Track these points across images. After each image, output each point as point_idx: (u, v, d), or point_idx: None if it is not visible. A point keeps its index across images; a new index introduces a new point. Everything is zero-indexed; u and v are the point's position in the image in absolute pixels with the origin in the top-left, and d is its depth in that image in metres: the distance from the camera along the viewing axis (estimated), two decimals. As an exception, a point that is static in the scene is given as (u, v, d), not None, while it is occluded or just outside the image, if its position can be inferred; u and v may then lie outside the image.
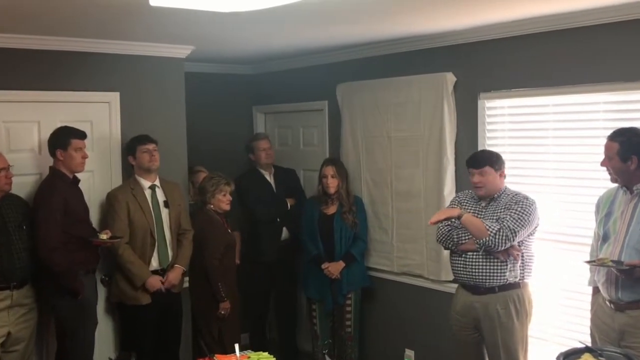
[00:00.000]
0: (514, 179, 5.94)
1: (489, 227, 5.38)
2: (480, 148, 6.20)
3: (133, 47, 6.59)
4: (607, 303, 4.87)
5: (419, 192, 6.74)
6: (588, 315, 5.15)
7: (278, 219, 7.64)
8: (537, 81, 5.83)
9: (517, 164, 6.03)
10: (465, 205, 5.68)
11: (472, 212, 5.60)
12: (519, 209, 5.40)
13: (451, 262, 5.76)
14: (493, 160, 5.55)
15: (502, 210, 5.46)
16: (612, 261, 4.69)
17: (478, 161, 5.59)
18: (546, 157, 5.90)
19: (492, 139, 6.24)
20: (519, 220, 5.36)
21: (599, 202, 5.07)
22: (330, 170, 7.07)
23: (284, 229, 7.69)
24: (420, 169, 6.70)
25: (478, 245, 5.45)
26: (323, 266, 7.03)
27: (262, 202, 7.59)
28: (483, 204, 5.62)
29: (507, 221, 5.36)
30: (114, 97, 6.61)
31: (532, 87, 5.88)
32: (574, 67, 5.56)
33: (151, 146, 6.42)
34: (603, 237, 4.91)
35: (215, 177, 6.83)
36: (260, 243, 7.64)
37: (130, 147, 6.43)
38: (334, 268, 6.98)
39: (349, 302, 7.03)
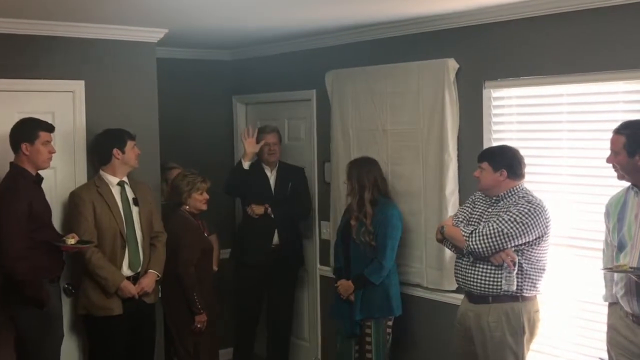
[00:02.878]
0: (523, 177, 5.91)
1: (464, 232, 5.58)
2: (485, 142, 6.21)
3: (99, 30, 6.55)
4: (629, 317, 4.82)
5: (418, 192, 6.70)
6: (604, 328, 5.11)
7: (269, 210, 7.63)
8: (549, 68, 5.79)
9: (526, 160, 5.93)
10: (477, 203, 5.78)
11: (480, 211, 5.70)
12: (514, 211, 5.45)
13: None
14: (492, 158, 5.63)
15: (504, 211, 5.51)
16: (631, 268, 4.64)
17: (480, 155, 5.74)
18: (559, 152, 5.87)
19: (498, 132, 6.22)
20: (507, 222, 5.41)
21: (607, 207, 5.04)
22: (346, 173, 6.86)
23: (276, 232, 7.69)
24: (419, 165, 6.67)
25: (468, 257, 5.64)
26: (337, 284, 6.90)
27: (249, 192, 7.63)
28: (490, 203, 5.68)
29: (492, 222, 5.47)
30: (79, 85, 6.56)
31: (544, 74, 5.84)
32: (590, 52, 5.51)
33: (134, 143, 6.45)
34: (618, 246, 4.86)
35: (189, 175, 6.84)
36: (247, 244, 7.70)
37: (119, 139, 6.37)
38: (343, 288, 6.81)
39: (368, 331, 6.72)
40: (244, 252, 7.79)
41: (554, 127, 5.90)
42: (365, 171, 6.69)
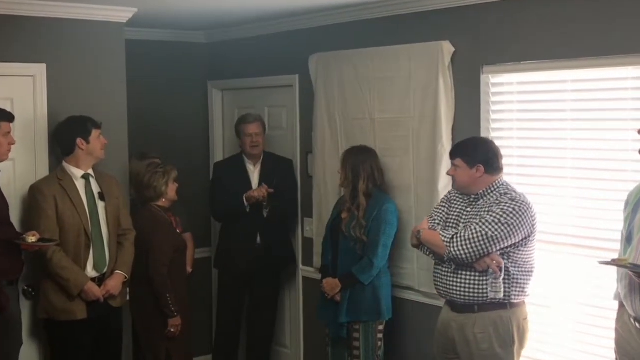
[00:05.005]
0: (523, 171, 5.92)
1: (444, 237, 5.52)
2: (483, 132, 6.19)
3: (63, 8, 6.52)
4: (632, 321, 4.78)
5: (408, 186, 6.69)
6: (611, 335, 5.06)
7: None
8: (552, 52, 5.76)
9: (527, 152, 5.99)
10: (454, 202, 5.74)
11: (458, 211, 5.67)
12: (498, 211, 5.40)
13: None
14: (466, 153, 5.60)
15: (486, 211, 5.48)
16: (631, 264, 4.60)
17: (452, 151, 5.74)
18: (563, 143, 5.83)
19: (497, 121, 6.19)
20: (491, 224, 5.36)
21: (628, 196, 5.00)
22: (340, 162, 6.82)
23: (261, 231, 7.69)
24: (410, 157, 6.66)
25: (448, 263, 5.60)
26: (322, 282, 6.85)
27: (228, 195, 7.60)
28: (469, 202, 5.65)
29: (474, 225, 5.41)
30: (40, 69, 6.52)
31: (547, 59, 5.81)
32: (598, 35, 5.48)
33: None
34: (627, 238, 4.83)
35: (159, 166, 6.91)
36: (230, 243, 7.73)
37: (83, 128, 6.32)
38: (329, 286, 6.77)
39: (356, 335, 6.68)
40: (227, 252, 7.79)
41: (558, 116, 5.85)
42: (361, 160, 6.64)
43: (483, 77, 6.20)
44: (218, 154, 8.72)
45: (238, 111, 8.51)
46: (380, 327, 6.66)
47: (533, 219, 5.43)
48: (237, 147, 8.06)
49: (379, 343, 6.65)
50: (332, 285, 6.73)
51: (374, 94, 6.90)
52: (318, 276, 7.08)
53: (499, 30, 6.07)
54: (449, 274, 5.56)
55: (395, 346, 6.95)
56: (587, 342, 5.74)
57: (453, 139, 6.36)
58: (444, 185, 6.35)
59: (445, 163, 6.30)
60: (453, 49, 6.32)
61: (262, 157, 7.80)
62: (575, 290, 5.78)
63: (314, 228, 7.58)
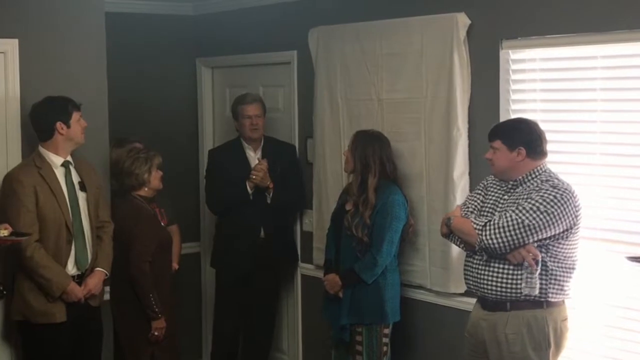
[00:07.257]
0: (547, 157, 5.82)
1: (476, 224, 5.47)
2: (502, 114, 6.17)
3: (36, -22, 6.51)
4: None
5: (420, 174, 6.68)
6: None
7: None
8: (580, 25, 5.71)
9: (551, 135, 5.86)
10: (490, 189, 5.71)
11: (494, 198, 5.62)
12: (537, 198, 5.34)
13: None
14: (506, 134, 5.55)
15: (524, 198, 5.41)
16: None
17: (491, 132, 5.65)
18: (591, 127, 5.82)
19: (518, 102, 6.18)
20: (528, 212, 5.30)
21: None
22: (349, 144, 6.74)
23: (261, 228, 7.67)
24: (421, 142, 6.64)
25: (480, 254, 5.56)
26: (324, 278, 6.84)
27: (228, 184, 7.57)
28: (506, 189, 5.59)
29: (510, 212, 5.36)
30: (11, 45, 6.50)
31: (574, 32, 5.77)
32: (631, 5, 5.41)
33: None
34: None
35: (141, 152, 6.92)
36: (231, 245, 7.68)
37: (63, 110, 6.27)
38: (329, 283, 6.76)
39: (359, 338, 6.64)
40: (227, 249, 7.76)
41: (586, 96, 5.83)
42: (372, 150, 6.55)
43: (502, 53, 6.17)
44: (207, 138, 8.74)
45: (229, 91, 8.53)
46: (386, 331, 6.61)
47: (577, 209, 5.36)
48: (228, 130, 8.06)
49: (385, 348, 6.60)
50: (332, 282, 6.71)
51: (382, 72, 6.88)
52: (318, 274, 7.07)
53: (520, 0, 6.02)
54: (480, 266, 5.51)
55: (403, 351, 6.95)
56: (617, 348, 5.72)
57: (469, 122, 6.35)
58: (460, 173, 6.34)
59: (462, 148, 6.36)
60: (469, 22, 6.29)
61: (262, 142, 7.76)
62: (606, 290, 5.75)
63: (313, 221, 7.58)
